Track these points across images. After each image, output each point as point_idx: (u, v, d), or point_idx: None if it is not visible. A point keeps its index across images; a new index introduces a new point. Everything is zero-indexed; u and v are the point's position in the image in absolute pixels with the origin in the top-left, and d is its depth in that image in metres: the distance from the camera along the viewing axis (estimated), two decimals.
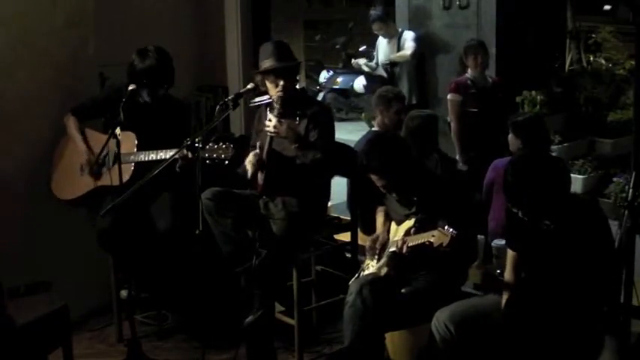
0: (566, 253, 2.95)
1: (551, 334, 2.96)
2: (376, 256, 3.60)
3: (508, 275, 3.23)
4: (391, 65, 6.80)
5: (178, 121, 4.08)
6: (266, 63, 3.73)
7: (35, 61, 4.18)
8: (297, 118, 3.73)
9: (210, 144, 3.44)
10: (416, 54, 6.69)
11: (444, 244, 3.12)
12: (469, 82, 5.61)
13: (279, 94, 3.68)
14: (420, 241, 3.24)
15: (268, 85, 3.76)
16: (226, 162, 3.44)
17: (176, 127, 3.96)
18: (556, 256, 2.98)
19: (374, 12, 6.93)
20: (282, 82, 3.69)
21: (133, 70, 3.95)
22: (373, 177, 3.45)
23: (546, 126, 4.47)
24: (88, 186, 4.01)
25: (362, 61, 7.39)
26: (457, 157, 5.56)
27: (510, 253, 3.25)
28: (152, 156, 3.82)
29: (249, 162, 3.70)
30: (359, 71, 11.26)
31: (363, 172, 3.50)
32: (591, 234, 2.95)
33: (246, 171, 3.74)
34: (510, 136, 4.33)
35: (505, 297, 3.16)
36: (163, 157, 3.72)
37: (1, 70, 4.04)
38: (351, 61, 11.76)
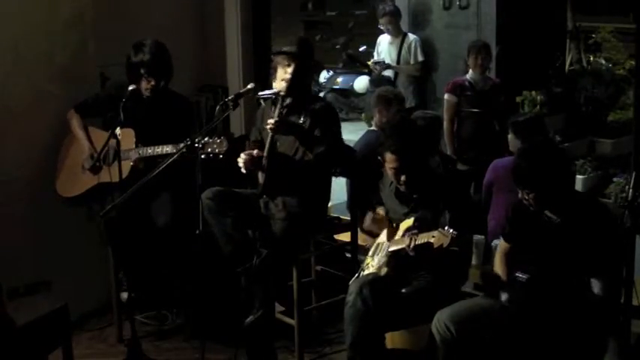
0: (571, 248, 2.96)
1: (553, 333, 2.96)
2: (375, 248, 3.62)
3: (498, 267, 3.24)
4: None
5: (180, 117, 4.09)
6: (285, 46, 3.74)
7: (36, 61, 4.17)
8: (302, 116, 3.72)
9: (205, 139, 3.44)
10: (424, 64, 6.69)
11: (445, 245, 3.12)
12: (467, 83, 5.57)
13: (288, 76, 3.65)
14: (423, 241, 3.24)
15: (279, 70, 3.72)
16: (221, 156, 3.43)
17: (178, 123, 3.97)
18: (561, 251, 2.98)
19: (385, 6, 6.86)
20: (293, 65, 3.66)
21: (130, 64, 3.98)
22: (390, 157, 3.43)
23: (546, 126, 4.47)
24: (90, 183, 4.05)
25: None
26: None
27: (502, 244, 3.27)
28: (149, 151, 3.86)
29: (240, 159, 3.68)
30: (360, 71, 11.28)
31: (380, 153, 3.49)
32: (596, 230, 2.96)
33: None
34: (510, 136, 4.33)
35: (504, 296, 3.17)
36: (160, 152, 3.77)
37: (2, 69, 4.03)
38: (352, 61, 11.75)
